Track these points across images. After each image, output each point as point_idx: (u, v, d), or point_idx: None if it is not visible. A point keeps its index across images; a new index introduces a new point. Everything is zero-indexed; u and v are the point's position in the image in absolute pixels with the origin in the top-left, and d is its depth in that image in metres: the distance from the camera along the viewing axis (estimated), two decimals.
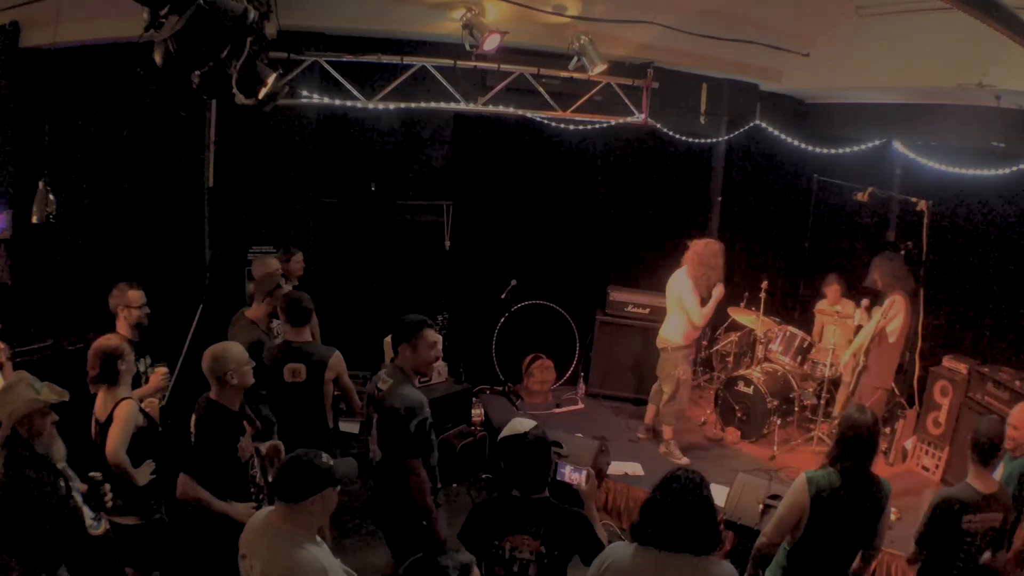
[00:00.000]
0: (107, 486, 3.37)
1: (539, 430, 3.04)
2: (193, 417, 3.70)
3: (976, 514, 3.46)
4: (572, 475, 3.30)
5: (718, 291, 5.87)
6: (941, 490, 3.71)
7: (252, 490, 3.69)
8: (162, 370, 4.34)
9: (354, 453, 5.54)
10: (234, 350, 3.66)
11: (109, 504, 3.38)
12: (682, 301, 5.88)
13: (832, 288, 6.72)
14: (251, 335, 4.88)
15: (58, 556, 3.01)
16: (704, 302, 5.86)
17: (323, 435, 4.47)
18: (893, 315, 5.57)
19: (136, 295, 4.32)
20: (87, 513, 3.26)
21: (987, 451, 3.50)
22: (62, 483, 3.17)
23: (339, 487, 2.76)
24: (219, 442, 3.58)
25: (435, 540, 3.77)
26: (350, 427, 6.12)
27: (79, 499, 3.26)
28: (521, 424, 3.07)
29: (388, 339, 6.38)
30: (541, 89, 6.29)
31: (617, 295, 7.29)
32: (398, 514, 3.80)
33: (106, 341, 3.78)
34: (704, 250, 5.87)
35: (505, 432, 3.06)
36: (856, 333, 5.97)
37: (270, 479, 3.79)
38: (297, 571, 2.61)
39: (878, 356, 5.67)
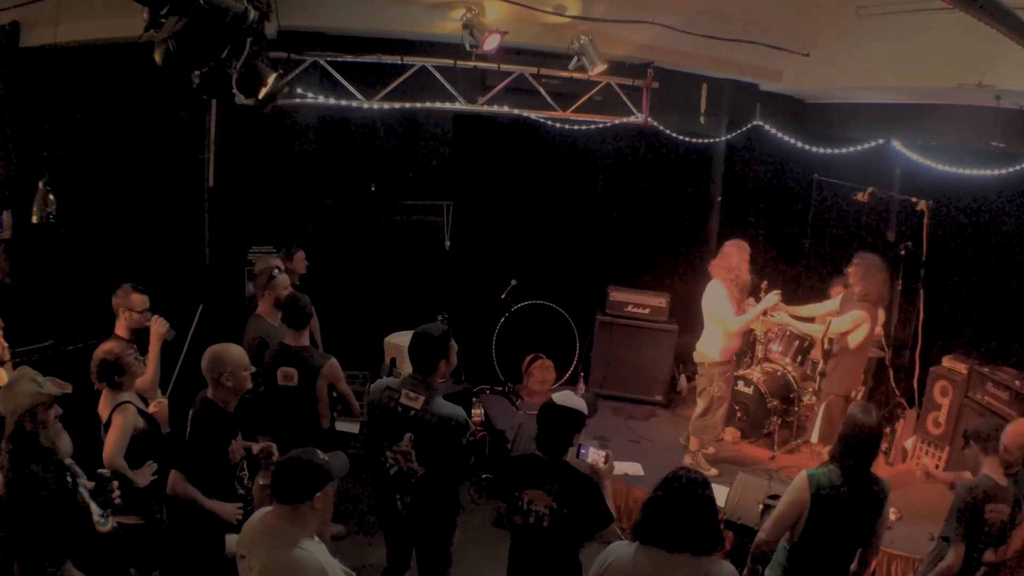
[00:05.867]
0: (115, 483, 3.39)
1: (570, 402, 3.34)
2: (190, 412, 3.70)
3: (997, 504, 3.54)
4: (594, 456, 3.60)
5: (772, 298, 5.65)
6: (965, 482, 3.75)
7: (240, 491, 3.69)
8: (157, 317, 4.32)
9: (353, 453, 5.54)
10: (233, 352, 3.65)
11: (117, 500, 3.39)
12: (716, 311, 5.67)
13: (838, 290, 6.70)
14: (259, 329, 4.90)
15: (64, 550, 3.02)
16: (741, 306, 5.74)
17: (315, 438, 4.41)
18: (851, 328, 5.45)
19: (139, 299, 4.31)
20: (95, 509, 3.27)
21: (994, 440, 3.65)
22: (68, 478, 3.19)
23: (334, 483, 2.77)
24: (211, 441, 3.58)
25: (447, 546, 3.86)
26: (349, 427, 6.11)
27: (85, 495, 3.27)
28: (562, 396, 3.39)
29: (388, 339, 6.45)
30: (541, 89, 6.29)
31: (617, 295, 7.29)
32: (436, 525, 3.79)
33: (104, 351, 3.76)
34: (727, 249, 5.75)
35: (553, 399, 3.40)
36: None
37: (261, 481, 3.80)
38: (296, 571, 2.61)
39: (838, 363, 5.59)
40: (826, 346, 5.65)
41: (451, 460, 3.66)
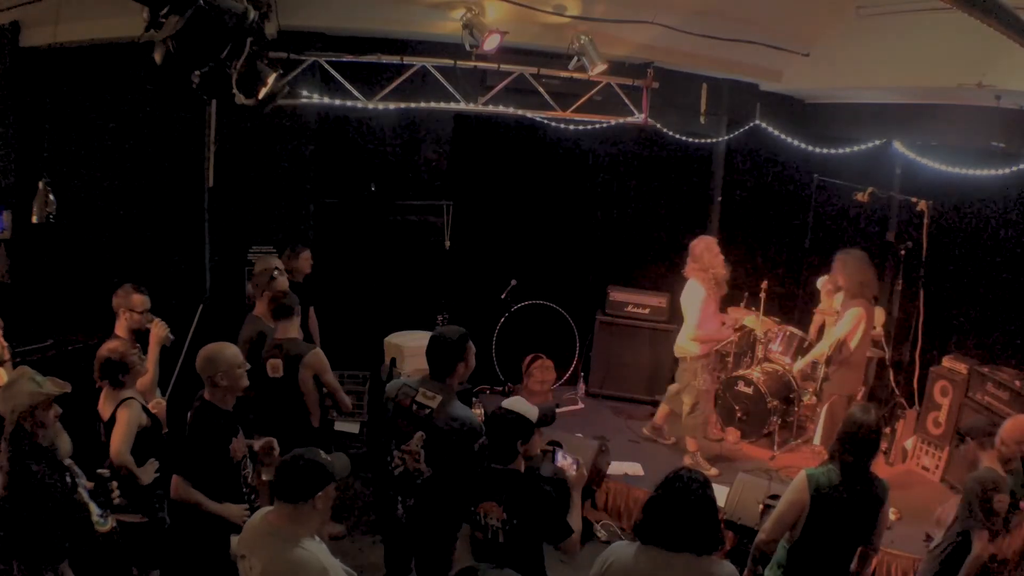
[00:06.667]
0: (115, 483, 3.38)
1: (516, 408, 3.24)
2: (189, 414, 3.70)
3: (1001, 495, 3.58)
4: (563, 461, 3.45)
5: (726, 331, 5.92)
6: (971, 475, 3.76)
7: (245, 490, 3.68)
8: (157, 320, 4.32)
9: (353, 453, 5.54)
10: (226, 352, 3.63)
11: (117, 501, 3.38)
12: (686, 310, 5.78)
13: (828, 289, 6.71)
14: (255, 328, 4.92)
15: (62, 551, 3.02)
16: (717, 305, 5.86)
17: (305, 432, 4.46)
18: (852, 328, 5.48)
19: (140, 300, 4.31)
20: (94, 509, 3.27)
21: (991, 432, 3.71)
22: (68, 478, 3.19)
23: (335, 483, 2.77)
24: (211, 442, 3.56)
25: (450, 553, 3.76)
26: (349, 427, 6.12)
27: (85, 495, 3.27)
28: (510, 402, 3.29)
29: (388, 339, 6.44)
30: (541, 89, 6.29)
31: (617, 295, 7.29)
32: (439, 530, 3.72)
33: (108, 349, 3.76)
34: (695, 251, 5.79)
35: (501, 405, 3.31)
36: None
37: (264, 477, 3.79)
38: (297, 570, 2.61)
39: (838, 364, 5.61)
40: (840, 354, 5.65)
41: (460, 465, 3.57)
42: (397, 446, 3.66)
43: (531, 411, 3.27)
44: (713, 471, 5.75)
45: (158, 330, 4.29)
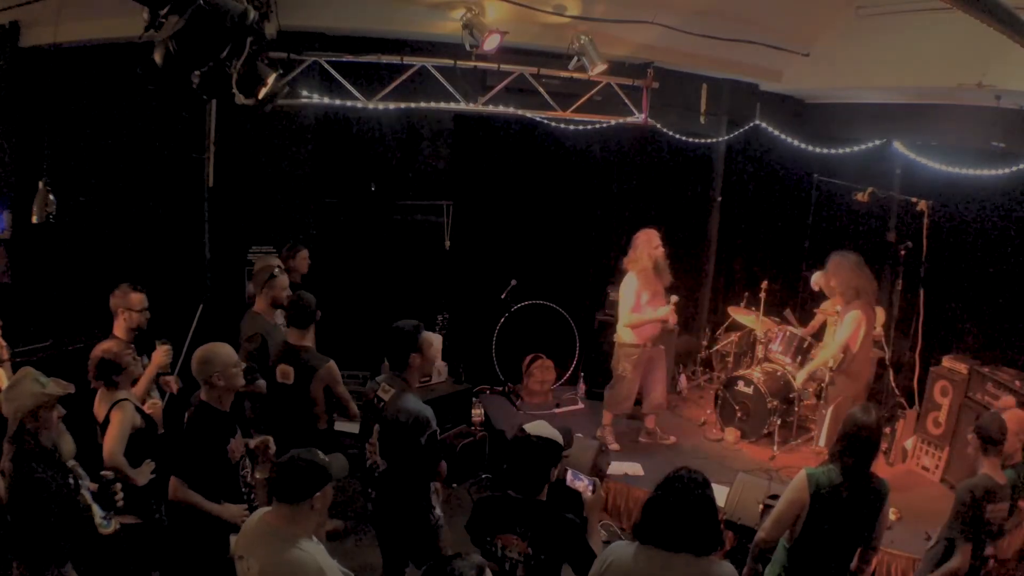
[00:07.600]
0: (118, 485, 3.38)
1: (545, 433, 3.00)
2: (186, 415, 3.70)
3: (996, 503, 3.58)
4: (576, 482, 3.25)
5: (664, 310, 5.90)
6: (964, 482, 3.76)
7: (244, 490, 3.68)
8: (165, 348, 4.32)
9: (355, 453, 5.54)
10: (221, 352, 3.63)
11: (120, 503, 3.38)
12: (621, 299, 5.99)
13: (836, 300, 6.69)
14: (255, 326, 4.90)
15: (65, 553, 3.02)
16: (658, 294, 5.93)
17: (310, 437, 4.41)
18: (853, 331, 5.49)
19: (138, 298, 4.30)
20: (97, 512, 3.26)
21: (999, 441, 3.67)
22: (71, 480, 3.18)
23: (333, 483, 2.78)
24: (209, 443, 3.56)
25: (437, 550, 3.75)
26: (350, 427, 6.11)
27: (88, 497, 3.26)
28: (536, 427, 3.04)
29: None
30: (541, 89, 6.29)
31: (617, 295, 7.28)
32: (402, 524, 3.77)
33: (103, 350, 3.76)
34: (636, 242, 5.94)
35: (525, 430, 3.05)
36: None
37: (258, 475, 3.79)
38: (295, 571, 2.61)
39: (843, 367, 5.62)
40: (844, 360, 5.66)
41: (409, 457, 3.62)
42: (367, 438, 3.74)
43: (557, 435, 3.04)
44: (615, 446, 6.12)
45: (161, 357, 4.29)
